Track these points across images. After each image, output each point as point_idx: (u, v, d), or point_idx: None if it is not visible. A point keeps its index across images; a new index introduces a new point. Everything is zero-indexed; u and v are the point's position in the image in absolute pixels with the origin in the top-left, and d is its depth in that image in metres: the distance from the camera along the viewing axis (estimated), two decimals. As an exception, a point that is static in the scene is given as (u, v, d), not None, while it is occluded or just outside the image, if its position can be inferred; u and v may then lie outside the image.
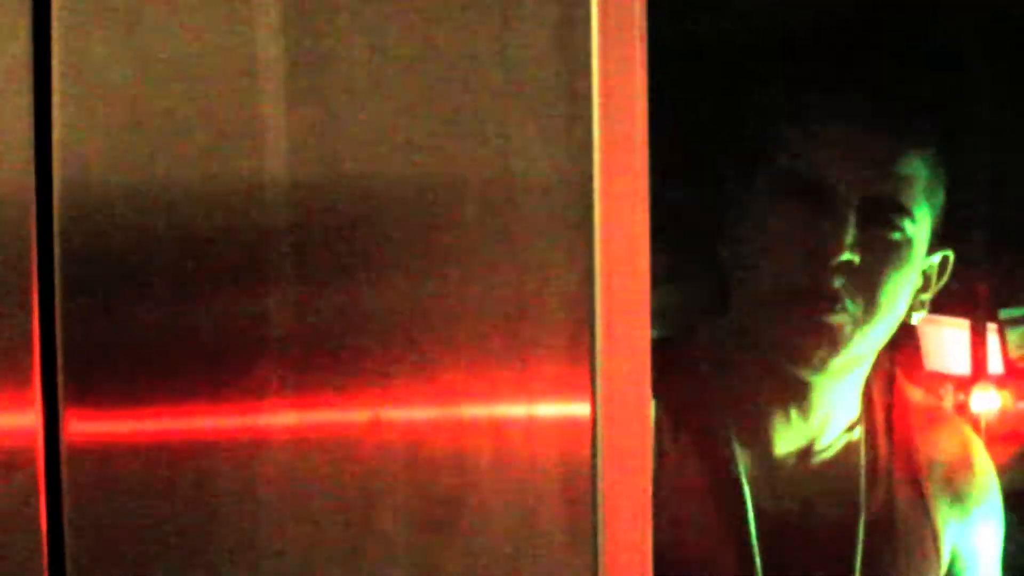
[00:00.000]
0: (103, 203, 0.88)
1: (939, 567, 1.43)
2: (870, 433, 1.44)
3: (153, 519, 0.81)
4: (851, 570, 1.39)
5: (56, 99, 0.86)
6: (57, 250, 0.85)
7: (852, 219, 1.30)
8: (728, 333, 1.43)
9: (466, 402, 0.91)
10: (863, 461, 1.42)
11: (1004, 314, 2.26)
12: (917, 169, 1.37)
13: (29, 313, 0.83)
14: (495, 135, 0.92)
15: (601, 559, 0.85)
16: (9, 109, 0.87)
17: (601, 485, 0.87)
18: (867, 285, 1.32)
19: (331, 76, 0.90)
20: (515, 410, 0.92)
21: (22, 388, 0.85)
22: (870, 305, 1.32)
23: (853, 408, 1.42)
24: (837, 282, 1.30)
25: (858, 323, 1.32)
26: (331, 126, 0.91)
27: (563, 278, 0.92)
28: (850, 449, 1.42)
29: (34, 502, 0.82)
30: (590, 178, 0.92)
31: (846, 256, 1.28)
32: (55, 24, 0.88)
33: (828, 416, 1.40)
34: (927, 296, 1.40)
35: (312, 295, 0.90)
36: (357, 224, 0.91)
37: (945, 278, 1.43)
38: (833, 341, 1.31)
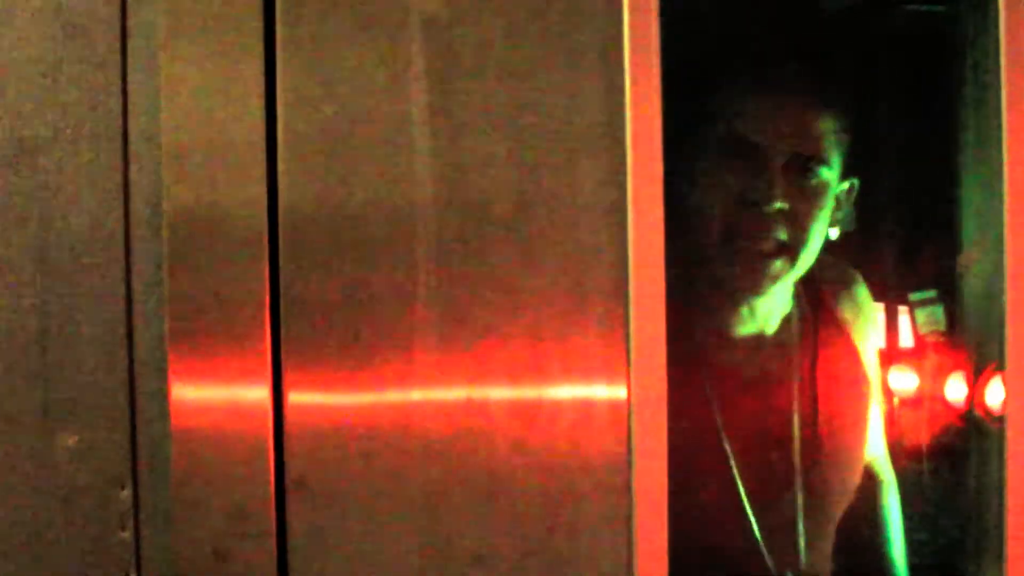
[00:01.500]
0: (322, 217, 1.06)
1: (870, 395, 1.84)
2: (804, 316, 1.83)
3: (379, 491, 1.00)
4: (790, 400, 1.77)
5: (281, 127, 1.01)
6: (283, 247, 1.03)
7: (780, 172, 1.65)
8: (688, 271, 1.68)
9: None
10: (796, 336, 1.80)
11: (913, 297, 2.52)
12: (830, 124, 1.65)
13: (262, 295, 1.02)
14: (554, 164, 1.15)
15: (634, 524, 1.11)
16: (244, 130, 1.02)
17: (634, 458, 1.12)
18: (797, 224, 1.69)
19: (464, 122, 1.11)
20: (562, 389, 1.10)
21: (256, 363, 0.97)
22: (800, 239, 1.70)
23: (787, 303, 1.79)
24: (773, 226, 1.66)
25: (792, 254, 1.68)
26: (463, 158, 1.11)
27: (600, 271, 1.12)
28: (789, 329, 1.81)
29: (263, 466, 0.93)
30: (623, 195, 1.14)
31: (778, 204, 1.64)
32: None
33: (771, 313, 1.77)
34: (840, 215, 1.80)
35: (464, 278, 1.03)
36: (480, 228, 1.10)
37: (854, 197, 1.76)
38: (773, 273, 1.68)
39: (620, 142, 1.16)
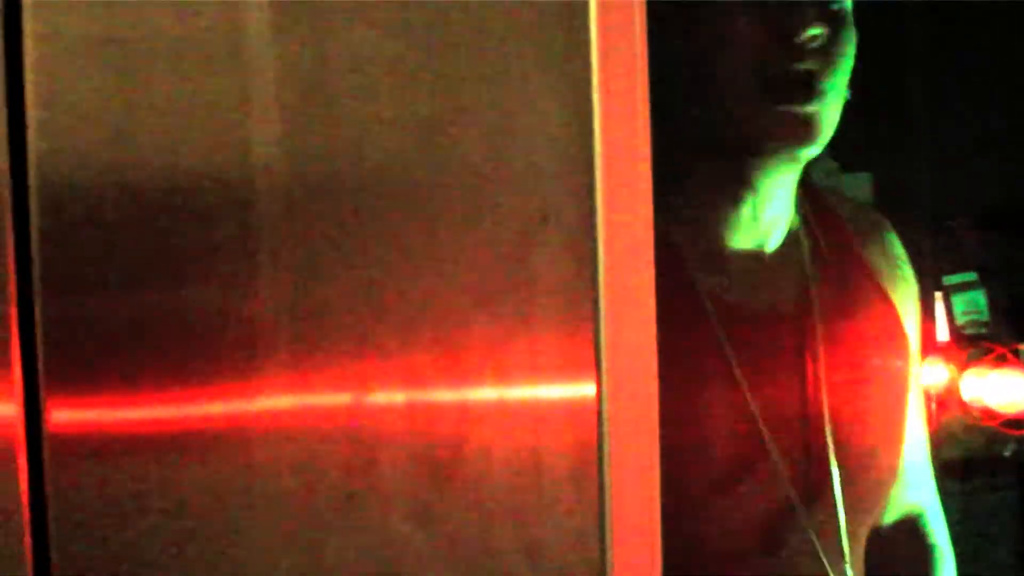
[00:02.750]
0: (82, 187, 0.79)
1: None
2: (808, 232, 1.47)
3: (141, 510, 0.77)
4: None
5: (29, 88, 0.77)
6: (35, 235, 0.79)
7: (816, 8, 1.35)
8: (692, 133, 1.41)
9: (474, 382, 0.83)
10: (806, 256, 1.45)
11: (948, 280, 2.18)
12: None
13: (7, 301, 0.77)
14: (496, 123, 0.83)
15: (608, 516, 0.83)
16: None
17: (608, 469, 0.82)
18: (832, 57, 1.36)
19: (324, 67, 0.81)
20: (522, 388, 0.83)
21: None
22: (836, 78, 1.37)
23: (789, 208, 1.45)
24: (809, 55, 1.34)
25: (829, 102, 1.35)
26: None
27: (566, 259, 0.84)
28: (795, 245, 1.46)
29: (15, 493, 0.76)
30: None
31: (813, 29, 1.33)
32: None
33: (778, 217, 1.43)
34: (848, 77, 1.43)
35: (307, 277, 0.81)
36: (353, 206, 0.83)
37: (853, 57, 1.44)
38: (811, 124, 1.34)
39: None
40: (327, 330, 0.79)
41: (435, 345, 0.79)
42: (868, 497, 1.44)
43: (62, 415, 0.75)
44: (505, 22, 0.82)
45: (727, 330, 1.39)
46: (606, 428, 0.80)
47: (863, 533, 1.46)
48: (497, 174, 0.81)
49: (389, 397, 0.80)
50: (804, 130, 1.34)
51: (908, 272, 1.57)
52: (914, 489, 1.55)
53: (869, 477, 1.44)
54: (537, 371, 0.83)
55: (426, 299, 0.80)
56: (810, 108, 1.34)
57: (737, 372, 1.37)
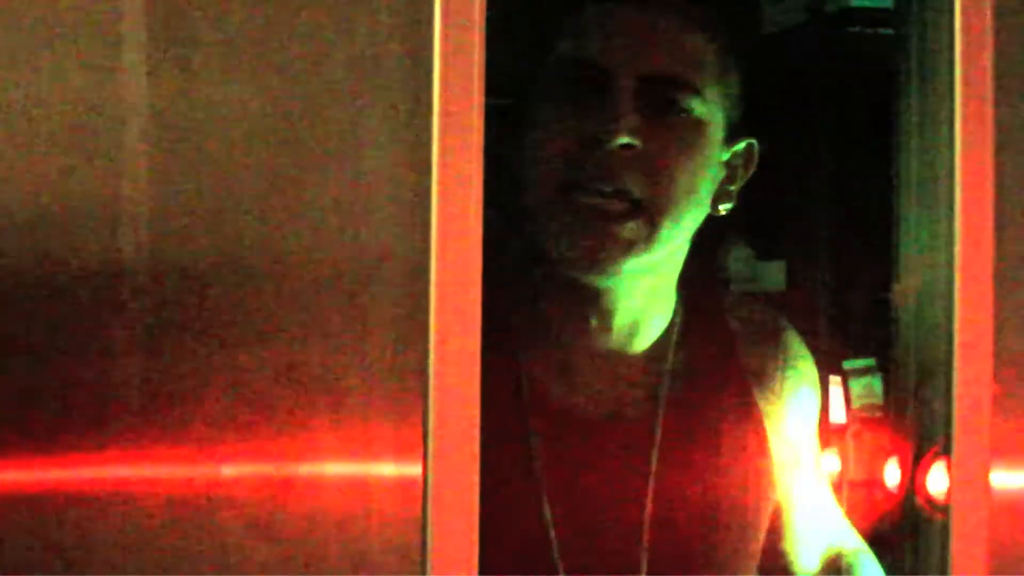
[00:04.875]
0: None
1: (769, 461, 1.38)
2: (683, 336, 1.34)
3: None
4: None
5: None
6: None
7: (629, 99, 1.20)
8: (518, 244, 1.31)
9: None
10: (669, 363, 1.32)
11: (848, 365, 2.24)
12: (702, 47, 1.26)
13: None
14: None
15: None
16: None
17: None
18: (655, 172, 1.21)
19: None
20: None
21: None
22: (661, 195, 1.21)
23: (657, 310, 1.32)
24: (620, 171, 1.19)
25: (650, 217, 1.21)
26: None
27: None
28: (659, 350, 1.33)
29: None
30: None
31: (624, 139, 1.18)
32: None
33: (637, 322, 1.30)
34: (734, 187, 1.32)
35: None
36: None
37: (753, 167, 1.33)
38: (622, 239, 1.21)
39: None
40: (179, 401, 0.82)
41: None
42: None
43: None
44: (357, 86, 0.85)
45: (544, 428, 1.27)
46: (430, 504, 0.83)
47: None
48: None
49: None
50: (616, 247, 1.22)
51: (804, 367, 1.45)
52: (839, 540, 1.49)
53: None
54: (368, 448, 0.86)
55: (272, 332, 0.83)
56: (623, 224, 1.21)
57: (537, 467, 1.26)
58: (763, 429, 1.38)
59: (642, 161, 1.21)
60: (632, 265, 1.24)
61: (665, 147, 1.22)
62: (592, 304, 1.29)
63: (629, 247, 1.21)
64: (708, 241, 1.38)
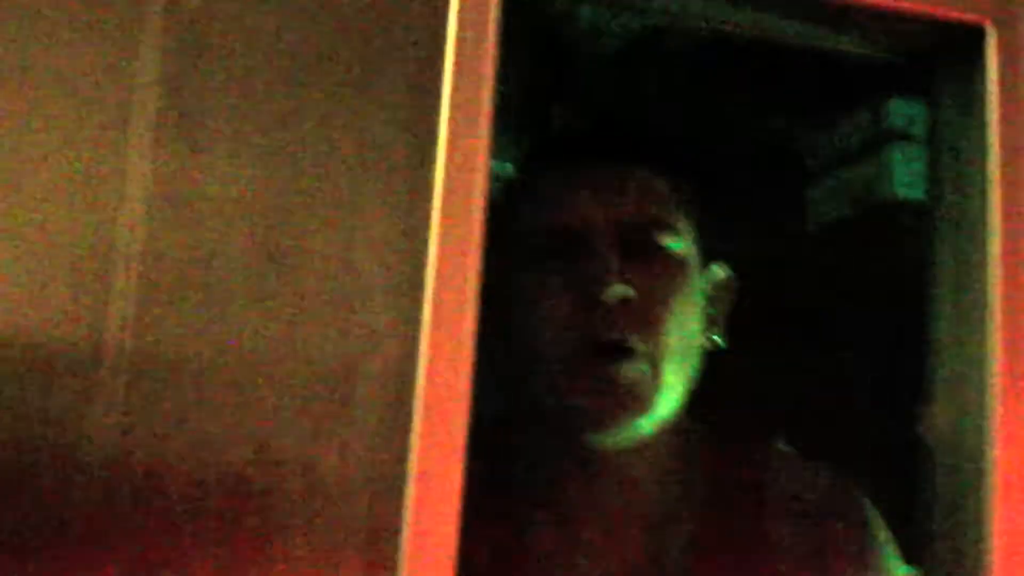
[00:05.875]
0: None
1: None
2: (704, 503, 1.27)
3: None
4: None
5: None
6: None
7: (615, 249, 1.21)
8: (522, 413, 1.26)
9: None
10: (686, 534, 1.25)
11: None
12: (667, 188, 1.27)
13: None
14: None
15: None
16: None
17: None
18: (650, 315, 1.20)
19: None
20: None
21: None
22: (660, 336, 1.20)
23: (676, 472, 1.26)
24: (618, 319, 1.18)
25: (653, 361, 1.20)
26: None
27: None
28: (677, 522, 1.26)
29: None
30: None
31: (619, 289, 1.18)
32: None
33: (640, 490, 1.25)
34: (716, 312, 1.31)
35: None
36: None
37: (733, 295, 1.33)
38: (629, 391, 1.18)
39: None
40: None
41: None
42: None
43: None
44: (353, 164, 0.85)
45: None
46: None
47: None
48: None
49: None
50: (620, 390, 1.19)
51: (889, 553, 1.30)
52: None
53: None
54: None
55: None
56: (623, 364, 1.19)
57: None
58: None
59: (636, 306, 1.20)
60: (641, 422, 1.21)
61: (656, 287, 1.22)
62: (599, 464, 1.25)
63: (637, 398, 1.20)
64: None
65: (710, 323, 1.29)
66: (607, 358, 1.20)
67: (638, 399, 1.20)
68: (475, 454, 0.85)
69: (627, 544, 1.26)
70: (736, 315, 1.34)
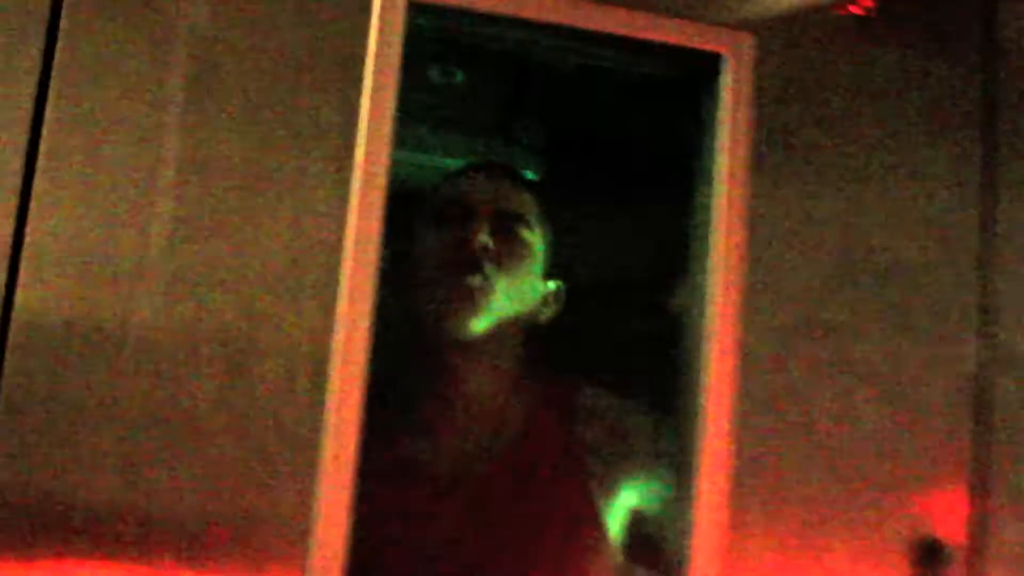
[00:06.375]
0: None
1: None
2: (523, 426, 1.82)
3: None
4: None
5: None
6: None
7: (487, 221, 1.79)
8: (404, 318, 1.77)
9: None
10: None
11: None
12: (529, 200, 1.88)
13: None
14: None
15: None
16: None
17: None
18: (499, 261, 1.78)
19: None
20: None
21: None
22: (502, 275, 1.77)
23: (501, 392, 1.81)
24: (478, 255, 1.76)
25: (493, 289, 1.75)
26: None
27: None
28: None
29: None
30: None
31: (483, 239, 1.76)
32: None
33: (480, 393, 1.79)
34: (549, 313, 1.87)
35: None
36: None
37: (561, 304, 1.89)
38: (474, 299, 1.75)
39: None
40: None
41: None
42: None
43: None
44: (284, 151, 1.38)
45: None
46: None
47: None
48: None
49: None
50: (468, 297, 1.76)
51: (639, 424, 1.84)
52: None
53: None
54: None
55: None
56: (474, 281, 1.77)
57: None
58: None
59: (491, 254, 1.78)
60: (476, 322, 1.75)
61: (507, 248, 1.81)
62: (455, 351, 1.80)
63: (476, 305, 1.74)
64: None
65: (542, 314, 1.88)
66: (464, 269, 1.77)
67: (476, 304, 1.76)
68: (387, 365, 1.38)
69: (471, 420, 1.82)
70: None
